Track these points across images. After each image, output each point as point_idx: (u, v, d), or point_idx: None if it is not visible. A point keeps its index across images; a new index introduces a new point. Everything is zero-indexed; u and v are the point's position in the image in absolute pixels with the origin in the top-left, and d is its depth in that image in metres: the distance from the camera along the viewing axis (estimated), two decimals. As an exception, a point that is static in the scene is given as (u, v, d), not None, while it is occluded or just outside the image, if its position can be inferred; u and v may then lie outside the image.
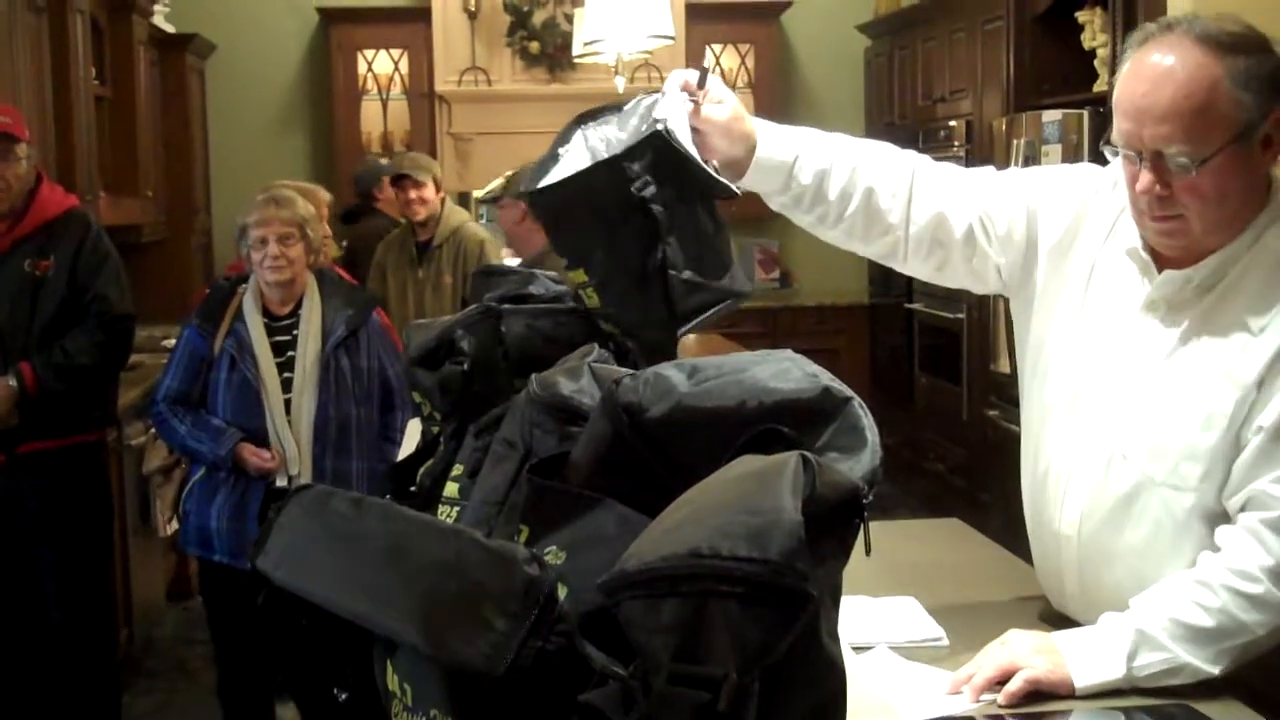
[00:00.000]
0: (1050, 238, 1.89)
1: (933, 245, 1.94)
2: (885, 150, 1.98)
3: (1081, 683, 1.64)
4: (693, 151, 1.64)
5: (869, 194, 1.92)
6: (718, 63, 7.54)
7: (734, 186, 1.75)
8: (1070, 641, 1.69)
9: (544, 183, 1.58)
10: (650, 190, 1.54)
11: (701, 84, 1.80)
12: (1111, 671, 1.64)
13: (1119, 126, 1.69)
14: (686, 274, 1.58)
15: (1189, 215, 1.67)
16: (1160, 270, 1.75)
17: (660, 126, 1.61)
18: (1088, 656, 1.66)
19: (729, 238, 1.67)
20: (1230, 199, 1.67)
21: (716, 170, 1.72)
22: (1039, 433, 1.90)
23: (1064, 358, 1.86)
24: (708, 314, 1.62)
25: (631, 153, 1.57)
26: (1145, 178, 1.66)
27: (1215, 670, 1.63)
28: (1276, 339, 1.64)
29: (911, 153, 1.99)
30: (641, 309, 1.56)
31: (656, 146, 1.58)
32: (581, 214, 1.57)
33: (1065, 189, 1.92)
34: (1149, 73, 1.65)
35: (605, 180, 1.56)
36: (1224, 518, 1.69)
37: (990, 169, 2.02)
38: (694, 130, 1.76)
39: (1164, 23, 1.69)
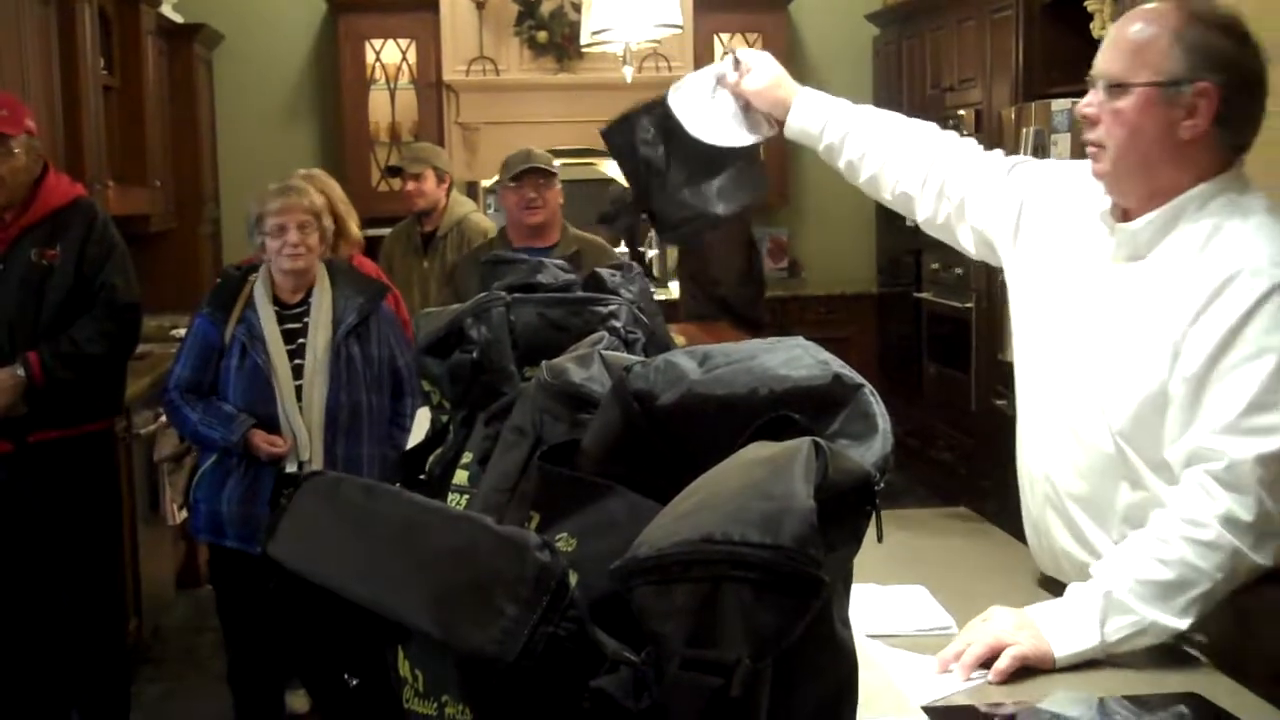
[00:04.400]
0: (1015, 225, 2.11)
1: (931, 221, 2.25)
2: (902, 137, 2.25)
3: (1060, 653, 1.72)
4: (689, 122, 2.23)
5: (874, 178, 2.26)
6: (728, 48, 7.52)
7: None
8: (1045, 615, 1.77)
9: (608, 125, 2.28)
10: (649, 135, 2.23)
11: (736, 66, 2.28)
12: (1086, 640, 1.73)
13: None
14: (682, 194, 2.22)
15: (1106, 143, 1.86)
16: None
17: (669, 94, 2.25)
18: (1063, 628, 1.74)
19: (739, 177, 2.22)
20: (1142, 146, 1.83)
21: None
22: (1019, 395, 2.09)
23: (1033, 321, 2.05)
24: (686, 228, 2.25)
25: (648, 108, 2.26)
26: (1088, 95, 1.89)
27: (1183, 624, 1.72)
28: (1200, 299, 1.76)
29: (930, 139, 2.25)
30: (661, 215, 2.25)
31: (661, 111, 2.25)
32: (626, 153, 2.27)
33: (1029, 179, 2.14)
34: (1126, 18, 1.88)
35: (622, 130, 2.26)
36: (1168, 468, 1.80)
37: (991, 155, 2.22)
38: (739, 99, 2.27)
39: None
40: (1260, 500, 1.71)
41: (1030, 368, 2.05)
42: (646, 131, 2.19)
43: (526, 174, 4.35)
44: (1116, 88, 1.83)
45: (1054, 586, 1.96)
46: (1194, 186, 1.83)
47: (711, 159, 2.16)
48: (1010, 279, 2.14)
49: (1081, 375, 1.91)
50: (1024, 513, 2.10)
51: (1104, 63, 1.86)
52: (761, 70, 2.25)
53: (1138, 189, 1.87)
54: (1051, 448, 1.97)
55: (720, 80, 2.27)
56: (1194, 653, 1.81)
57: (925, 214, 2.23)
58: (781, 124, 2.29)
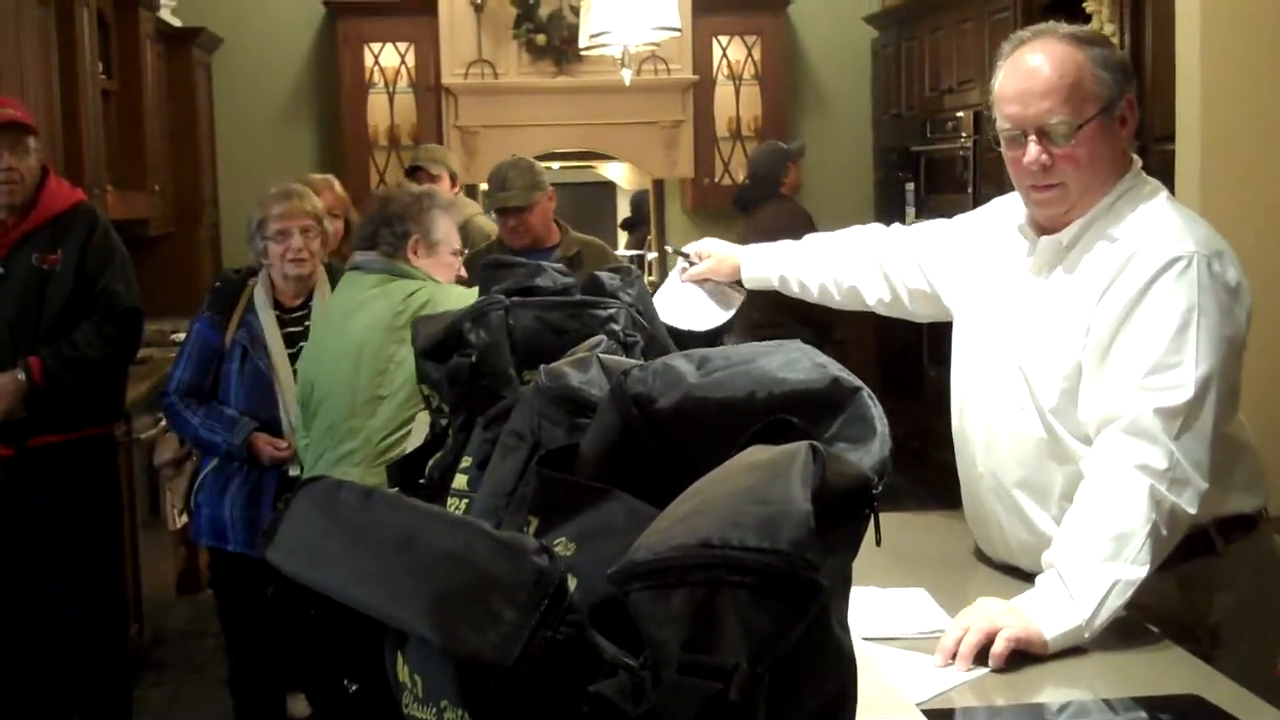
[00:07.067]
0: (945, 267, 2.33)
1: (881, 301, 2.47)
2: (833, 251, 2.49)
3: (1050, 635, 1.77)
4: (677, 323, 2.15)
5: (823, 289, 2.51)
6: (725, 53, 7.53)
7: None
8: (1029, 602, 1.82)
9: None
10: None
11: (687, 259, 2.56)
12: (1070, 617, 1.79)
13: (1004, 113, 2.02)
14: None
15: (1068, 182, 2.00)
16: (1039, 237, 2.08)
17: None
18: (1046, 611, 1.80)
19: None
20: (1099, 166, 1.99)
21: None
22: (955, 410, 2.25)
23: (968, 338, 2.23)
24: None
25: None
26: (1033, 150, 1.98)
27: (1142, 571, 1.81)
28: (1106, 278, 1.95)
29: (857, 239, 2.48)
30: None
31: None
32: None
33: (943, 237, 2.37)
34: (1027, 65, 2.00)
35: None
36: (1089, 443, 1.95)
37: (910, 227, 2.50)
38: (704, 284, 2.53)
39: (1032, 30, 2.05)
40: (1170, 451, 1.85)
41: (966, 379, 2.22)
42: None
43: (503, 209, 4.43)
44: (1079, 128, 1.95)
45: (1027, 577, 2.00)
46: (1110, 188, 2.02)
47: (707, 341, 2.33)
48: (954, 316, 2.31)
49: (1011, 368, 2.07)
50: (970, 514, 2.25)
51: (1044, 112, 1.96)
52: (711, 251, 2.56)
53: (1084, 206, 2.02)
54: (991, 444, 2.13)
55: (683, 274, 2.57)
56: (1152, 628, 1.89)
57: (874, 297, 2.45)
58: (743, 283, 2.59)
